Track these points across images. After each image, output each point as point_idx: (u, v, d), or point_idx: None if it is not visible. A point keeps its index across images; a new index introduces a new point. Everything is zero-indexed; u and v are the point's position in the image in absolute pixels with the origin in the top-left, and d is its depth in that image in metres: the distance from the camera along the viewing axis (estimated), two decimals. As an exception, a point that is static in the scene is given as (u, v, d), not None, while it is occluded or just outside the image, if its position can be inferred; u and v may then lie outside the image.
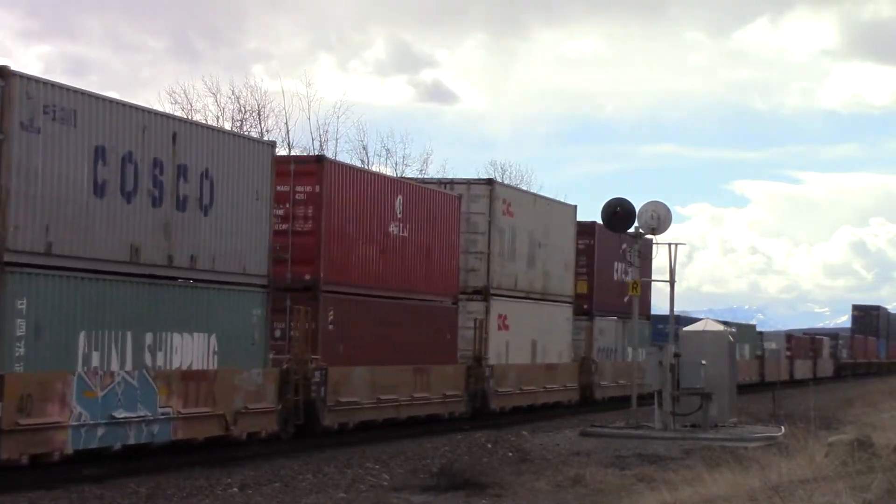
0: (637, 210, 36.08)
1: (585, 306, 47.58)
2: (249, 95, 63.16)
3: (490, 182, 39.44)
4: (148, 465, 23.53)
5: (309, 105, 66.55)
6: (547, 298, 43.11)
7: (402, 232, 33.59)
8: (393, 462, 26.59)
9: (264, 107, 62.91)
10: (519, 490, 21.77)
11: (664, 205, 36.31)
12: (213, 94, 62.36)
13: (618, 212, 36.28)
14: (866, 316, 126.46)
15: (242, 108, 62.41)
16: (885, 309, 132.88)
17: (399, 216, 33.34)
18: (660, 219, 36.03)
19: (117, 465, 23.17)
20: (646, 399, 41.42)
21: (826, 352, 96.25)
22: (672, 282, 36.94)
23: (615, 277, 49.80)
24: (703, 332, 35.71)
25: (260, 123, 63.01)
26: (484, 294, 37.80)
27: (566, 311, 45.25)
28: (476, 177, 46.03)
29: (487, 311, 37.76)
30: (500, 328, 38.74)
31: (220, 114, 62.31)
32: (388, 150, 70.17)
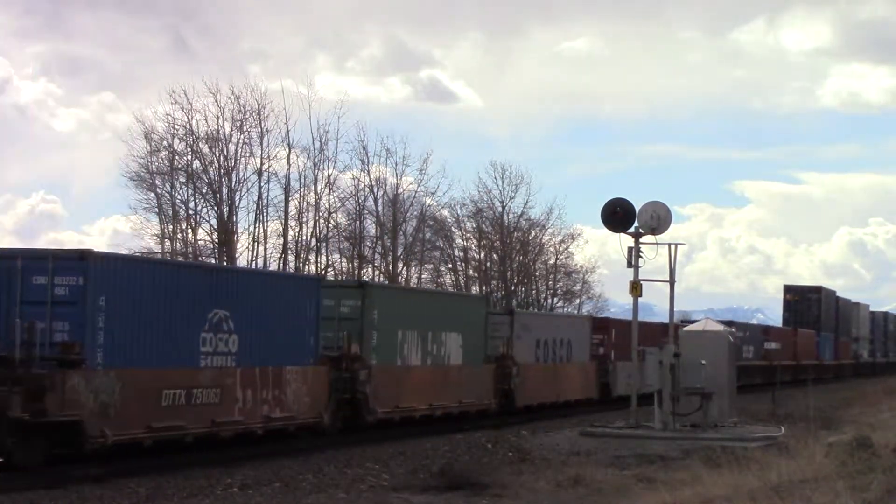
0: (637, 210, 35.95)
1: None
2: (249, 95, 63.03)
3: None
4: (148, 465, 23.52)
5: (310, 105, 66.19)
6: None
7: None
8: (393, 462, 26.58)
9: (264, 107, 62.70)
10: (519, 490, 21.77)
11: (664, 205, 36.17)
12: (213, 93, 62.00)
13: (618, 212, 36.07)
14: (802, 300, 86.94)
15: (242, 108, 62.44)
16: (831, 291, 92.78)
17: None
18: (660, 219, 35.88)
19: (117, 465, 23.16)
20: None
21: None
22: (672, 282, 36.87)
23: None
24: (703, 332, 35.70)
25: (260, 123, 62.76)
26: None
27: None
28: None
29: None
30: None
31: (219, 114, 62.15)
32: (387, 149, 70.09)
